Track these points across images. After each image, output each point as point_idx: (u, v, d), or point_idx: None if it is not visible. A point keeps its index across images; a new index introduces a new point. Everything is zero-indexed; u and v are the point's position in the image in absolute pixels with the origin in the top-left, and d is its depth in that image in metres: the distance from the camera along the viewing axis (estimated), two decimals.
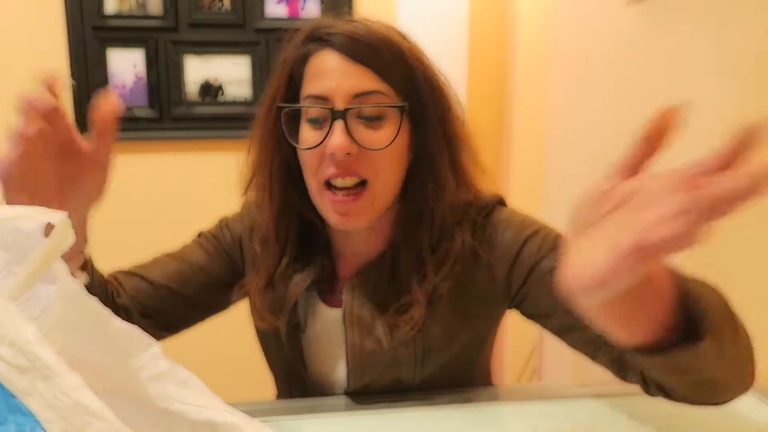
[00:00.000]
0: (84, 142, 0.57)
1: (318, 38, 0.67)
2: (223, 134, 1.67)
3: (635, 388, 0.62)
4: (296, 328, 0.76)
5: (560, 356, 1.63)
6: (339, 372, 0.77)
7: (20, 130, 0.52)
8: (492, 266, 0.72)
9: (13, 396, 0.38)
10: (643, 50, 1.09)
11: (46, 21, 1.57)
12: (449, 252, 0.71)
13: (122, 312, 0.75)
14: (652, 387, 0.60)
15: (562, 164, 1.47)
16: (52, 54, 1.59)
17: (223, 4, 1.62)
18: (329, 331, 0.76)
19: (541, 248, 0.70)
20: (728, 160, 0.35)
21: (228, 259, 0.82)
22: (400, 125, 0.66)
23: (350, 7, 1.66)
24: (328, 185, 0.67)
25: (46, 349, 0.39)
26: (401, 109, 0.66)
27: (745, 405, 0.68)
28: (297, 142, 0.69)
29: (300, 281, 0.75)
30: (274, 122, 0.70)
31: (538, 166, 1.60)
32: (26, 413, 0.38)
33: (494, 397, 0.75)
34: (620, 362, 0.63)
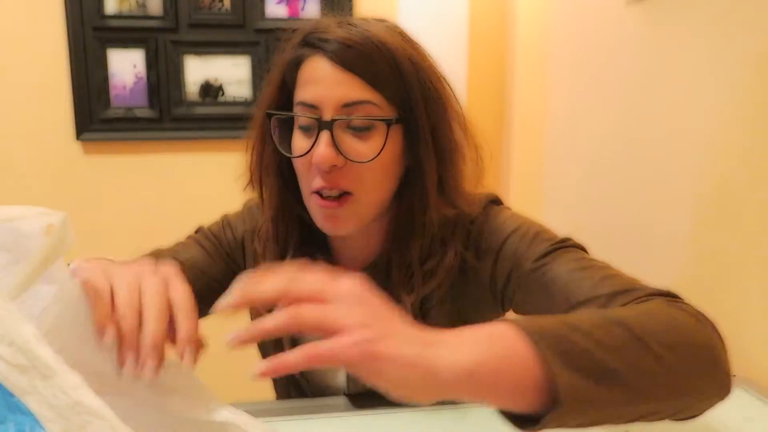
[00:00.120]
0: None
1: (311, 43, 0.66)
2: (223, 134, 1.67)
3: None
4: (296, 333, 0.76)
5: None
6: (338, 376, 0.77)
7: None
8: (478, 272, 0.71)
9: (12, 395, 0.38)
10: (643, 50, 1.09)
11: (47, 21, 1.57)
12: (439, 265, 0.70)
13: None
14: None
15: (562, 164, 1.47)
16: (52, 54, 1.59)
17: (223, 5, 1.62)
18: None
19: (519, 247, 0.68)
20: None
21: (228, 260, 0.81)
22: (387, 138, 0.65)
23: (350, 7, 1.66)
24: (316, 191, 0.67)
25: (45, 348, 0.39)
26: (388, 122, 0.65)
27: (745, 405, 0.68)
28: (289, 147, 0.68)
29: None
30: (268, 126, 0.70)
31: (538, 166, 1.60)
32: (26, 412, 0.38)
33: None
34: None
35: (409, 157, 0.68)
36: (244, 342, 0.43)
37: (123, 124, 1.65)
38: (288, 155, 0.68)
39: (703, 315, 0.53)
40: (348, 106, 0.64)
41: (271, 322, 0.43)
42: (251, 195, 0.77)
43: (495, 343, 0.42)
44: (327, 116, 0.64)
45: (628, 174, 1.15)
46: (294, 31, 0.69)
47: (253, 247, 0.79)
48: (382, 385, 0.41)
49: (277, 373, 0.41)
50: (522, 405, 0.42)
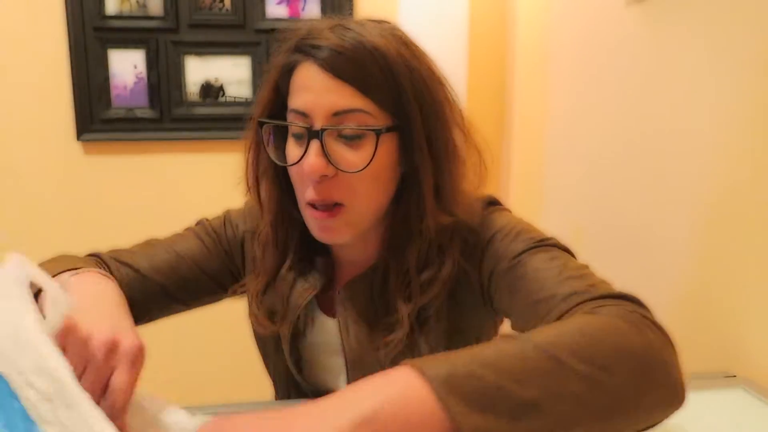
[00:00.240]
0: None
1: (303, 50, 0.64)
2: (223, 135, 1.67)
3: None
4: (296, 336, 0.76)
5: None
6: (339, 378, 0.77)
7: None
8: (470, 276, 0.70)
9: (34, 424, 0.41)
10: (643, 51, 1.09)
11: (47, 21, 1.57)
12: (437, 275, 0.69)
13: None
14: None
15: (562, 165, 1.47)
16: (52, 55, 1.59)
17: (223, 5, 1.63)
18: (327, 339, 0.75)
19: (499, 247, 0.67)
20: None
21: (226, 258, 0.81)
22: (376, 147, 0.63)
23: (351, 8, 1.66)
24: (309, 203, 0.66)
25: (72, 378, 0.42)
26: (377, 131, 0.62)
27: (745, 405, 0.68)
28: (284, 153, 0.67)
29: (303, 291, 0.74)
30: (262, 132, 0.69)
31: (538, 167, 1.60)
32: None
33: None
34: None
35: (405, 163, 0.67)
36: None
37: (123, 124, 1.65)
38: (280, 164, 0.67)
39: (648, 320, 0.50)
40: (338, 114, 0.62)
41: None
42: (250, 198, 0.76)
43: (390, 387, 0.42)
44: (317, 125, 0.62)
45: (629, 175, 1.15)
46: (289, 33, 0.67)
47: (252, 248, 0.79)
48: None
49: None
50: None
